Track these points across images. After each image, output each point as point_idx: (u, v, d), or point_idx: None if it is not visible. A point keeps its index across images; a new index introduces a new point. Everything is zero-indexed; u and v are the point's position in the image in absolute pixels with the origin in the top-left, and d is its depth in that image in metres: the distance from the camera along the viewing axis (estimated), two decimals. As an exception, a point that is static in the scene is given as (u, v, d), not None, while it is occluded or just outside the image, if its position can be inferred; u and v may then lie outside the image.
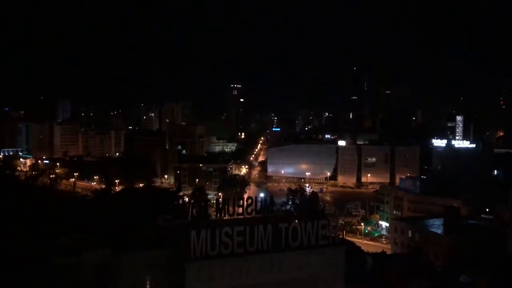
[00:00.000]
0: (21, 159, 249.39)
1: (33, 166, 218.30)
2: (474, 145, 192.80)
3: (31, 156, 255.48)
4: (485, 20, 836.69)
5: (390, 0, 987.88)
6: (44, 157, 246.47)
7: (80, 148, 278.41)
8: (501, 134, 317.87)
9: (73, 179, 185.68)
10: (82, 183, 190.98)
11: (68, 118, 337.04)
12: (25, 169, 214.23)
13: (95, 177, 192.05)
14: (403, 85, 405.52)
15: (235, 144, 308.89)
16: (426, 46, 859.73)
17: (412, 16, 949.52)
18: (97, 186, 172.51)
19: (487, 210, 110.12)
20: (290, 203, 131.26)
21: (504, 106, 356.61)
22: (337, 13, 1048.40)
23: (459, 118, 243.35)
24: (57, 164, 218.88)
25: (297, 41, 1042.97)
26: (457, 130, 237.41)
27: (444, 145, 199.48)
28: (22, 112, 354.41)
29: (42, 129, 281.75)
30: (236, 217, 42.36)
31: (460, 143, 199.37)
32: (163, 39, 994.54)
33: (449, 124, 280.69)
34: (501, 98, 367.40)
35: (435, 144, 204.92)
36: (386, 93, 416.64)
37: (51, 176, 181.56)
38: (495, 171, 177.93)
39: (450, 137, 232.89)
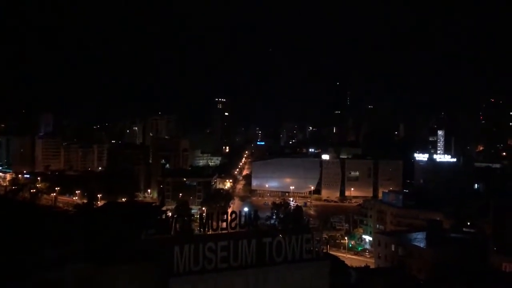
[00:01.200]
0: (0, 174, 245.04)
1: (13, 181, 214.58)
2: (455, 159, 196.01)
3: (11, 171, 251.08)
4: (465, 36, 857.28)
5: (373, 15, 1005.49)
6: (25, 171, 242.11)
7: (62, 162, 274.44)
8: (481, 148, 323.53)
9: (54, 194, 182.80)
10: (63, 198, 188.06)
11: (50, 132, 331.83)
12: (5, 184, 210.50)
13: (77, 191, 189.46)
14: (386, 100, 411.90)
15: (220, 158, 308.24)
16: (408, 60, 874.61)
17: (394, 31, 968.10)
18: (79, 201, 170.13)
19: (469, 223, 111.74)
20: (274, 217, 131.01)
21: (483, 121, 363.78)
22: (321, 28, 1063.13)
23: (440, 132, 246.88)
24: (38, 178, 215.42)
25: (283, 55, 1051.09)
26: (439, 144, 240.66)
27: (426, 159, 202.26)
28: (3, 125, 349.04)
29: (23, 142, 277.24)
30: (220, 232, 42.12)
31: (442, 157, 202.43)
32: (147, 53, 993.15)
33: (430, 139, 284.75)
34: (480, 113, 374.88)
35: (417, 158, 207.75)
36: (369, 108, 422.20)
37: (31, 190, 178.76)
38: (476, 184, 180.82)
39: (432, 151, 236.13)
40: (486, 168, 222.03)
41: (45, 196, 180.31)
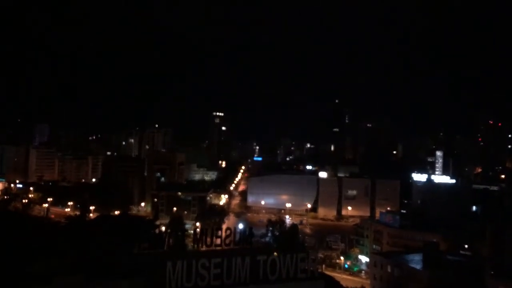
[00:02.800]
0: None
1: (6, 190, 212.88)
2: (453, 181, 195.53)
3: (4, 180, 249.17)
4: (465, 58, 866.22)
5: (371, 33, 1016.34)
6: (17, 181, 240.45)
7: (56, 172, 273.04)
8: (479, 170, 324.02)
9: (47, 205, 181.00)
10: (56, 209, 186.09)
11: (45, 142, 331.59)
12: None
13: (69, 203, 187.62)
14: (384, 119, 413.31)
15: (216, 173, 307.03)
16: (407, 80, 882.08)
17: (393, 51, 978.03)
18: (72, 213, 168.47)
19: (466, 246, 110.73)
20: (269, 235, 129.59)
21: (482, 143, 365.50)
22: (321, 46, 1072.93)
23: (438, 153, 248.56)
24: (31, 188, 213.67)
25: (281, 72, 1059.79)
26: (437, 165, 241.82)
27: (424, 179, 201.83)
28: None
29: (17, 152, 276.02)
30: (214, 248, 41.29)
31: (440, 178, 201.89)
32: (145, 66, 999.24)
33: (429, 159, 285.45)
34: (479, 135, 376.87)
35: (415, 179, 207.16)
36: (367, 126, 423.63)
37: (24, 201, 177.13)
38: (474, 206, 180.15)
39: (430, 171, 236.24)
40: (484, 190, 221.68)
41: (37, 206, 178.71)
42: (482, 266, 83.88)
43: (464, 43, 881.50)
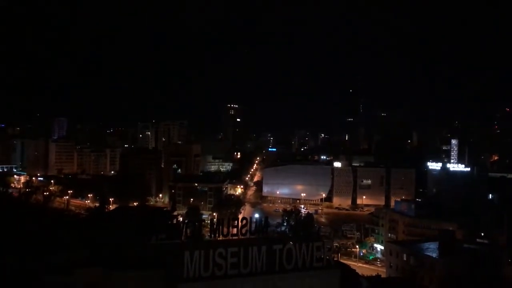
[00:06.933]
0: (15, 176, 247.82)
1: (27, 183, 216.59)
2: (469, 169, 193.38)
3: (25, 173, 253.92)
4: (481, 46, 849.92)
5: (387, 24, 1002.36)
6: (38, 174, 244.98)
7: (75, 165, 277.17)
8: (496, 158, 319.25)
9: (67, 197, 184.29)
10: (76, 201, 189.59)
11: (64, 136, 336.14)
12: (19, 186, 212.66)
13: (89, 195, 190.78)
14: (399, 108, 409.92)
15: (231, 164, 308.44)
16: (421, 70, 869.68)
17: (408, 40, 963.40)
18: (91, 204, 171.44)
19: (482, 234, 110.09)
20: (285, 224, 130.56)
21: (498, 131, 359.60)
22: (334, 36, 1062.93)
23: (454, 141, 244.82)
24: (52, 181, 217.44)
25: (295, 63, 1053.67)
26: (452, 153, 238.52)
27: (439, 168, 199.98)
28: (18, 128, 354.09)
29: (37, 145, 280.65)
30: (230, 238, 42.05)
31: (455, 167, 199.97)
32: (161, 59, 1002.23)
33: (444, 148, 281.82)
34: (495, 122, 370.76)
35: (430, 167, 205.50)
36: (382, 116, 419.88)
37: (45, 193, 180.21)
38: (490, 195, 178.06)
39: (445, 160, 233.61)
40: (501, 178, 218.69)
41: (58, 199, 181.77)
42: (499, 254, 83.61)
43: (479, 31, 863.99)
